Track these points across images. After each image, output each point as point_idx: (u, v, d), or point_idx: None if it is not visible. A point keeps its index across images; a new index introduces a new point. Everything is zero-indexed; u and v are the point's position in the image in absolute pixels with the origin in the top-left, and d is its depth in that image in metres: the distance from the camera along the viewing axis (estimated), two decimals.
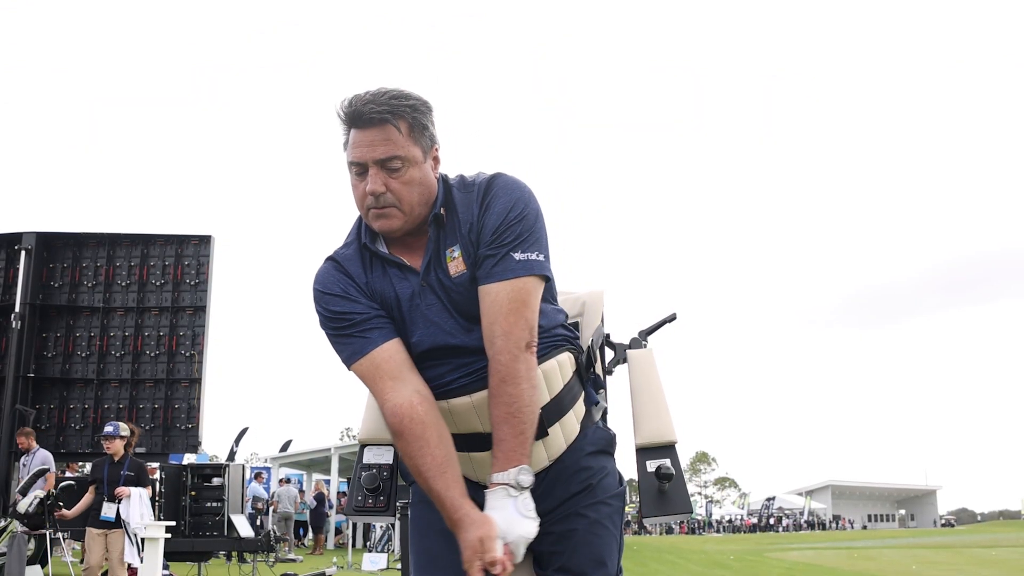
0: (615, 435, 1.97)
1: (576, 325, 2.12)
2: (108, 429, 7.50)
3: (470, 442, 1.82)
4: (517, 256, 1.73)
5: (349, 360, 1.80)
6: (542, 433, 1.79)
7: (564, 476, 1.85)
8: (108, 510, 7.35)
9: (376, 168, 1.73)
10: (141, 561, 7.35)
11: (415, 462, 1.71)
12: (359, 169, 1.76)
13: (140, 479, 7.51)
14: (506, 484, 1.66)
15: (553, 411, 1.82)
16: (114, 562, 7.35)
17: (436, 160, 1.82)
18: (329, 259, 1.89)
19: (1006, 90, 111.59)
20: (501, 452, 1.68)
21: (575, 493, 1.84)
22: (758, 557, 20.07)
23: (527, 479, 1.67)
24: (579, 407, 1.89)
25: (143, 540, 7.33)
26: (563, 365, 1.85)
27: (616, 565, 1.87)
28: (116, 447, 7.40)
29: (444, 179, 1.84)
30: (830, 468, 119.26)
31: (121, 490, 7.31)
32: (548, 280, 1.80)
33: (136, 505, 7.34)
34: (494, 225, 1.74)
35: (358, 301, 1.80)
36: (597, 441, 1.91)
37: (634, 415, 2.09)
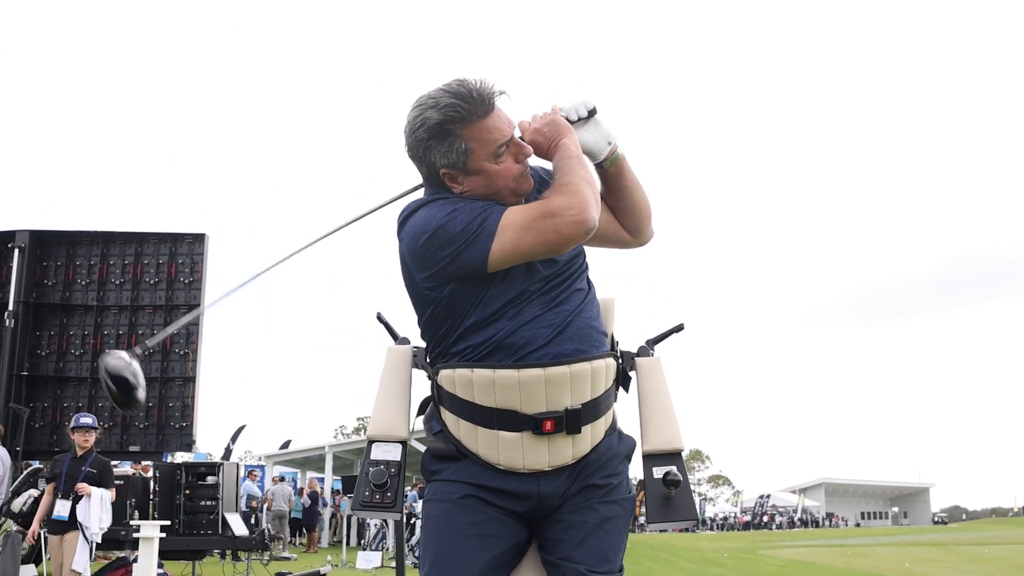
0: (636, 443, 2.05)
1: None
2: (86, 420, 6.92)
3: (503, 419, 1.82)
4: None
5: (497, 219, 1.78)
6: (574, 430, 1.82)
7: (590, 469, 1.89)
8: (61, 508, 6.60)
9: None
10: (89, 567, 6.71)
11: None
12: (506, 147, 1.85)
13: (103, 478, 6.88)
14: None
15: (590, 412, 1.85)
16: (65, 569, 6.59)
17: None
18: (430, 201, 1.88)
19: (1011, 87, 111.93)
20: None
21: (595, 486, 1.89)
22: (752, 555, 20.13)
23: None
24: (610, 415, 1.95)
25: (101, 545, 6.79)
26: (610, 369, 1.91)
27: (619, 563, 1.91)
28: (92, 441, 6.89)
29: None
30: (824, 466, 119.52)
31: (82, 486, 6.64)
32: None
33: (96, 507, 6.66)
34: None
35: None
36: (625, 447, 2.00)
37: (642, 422, 2.10)
